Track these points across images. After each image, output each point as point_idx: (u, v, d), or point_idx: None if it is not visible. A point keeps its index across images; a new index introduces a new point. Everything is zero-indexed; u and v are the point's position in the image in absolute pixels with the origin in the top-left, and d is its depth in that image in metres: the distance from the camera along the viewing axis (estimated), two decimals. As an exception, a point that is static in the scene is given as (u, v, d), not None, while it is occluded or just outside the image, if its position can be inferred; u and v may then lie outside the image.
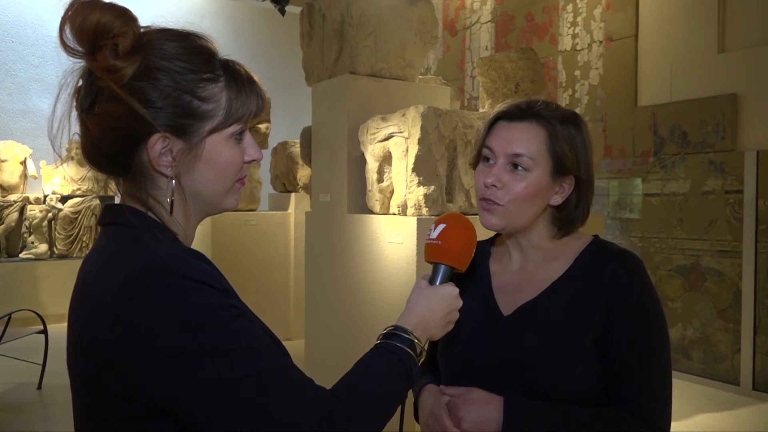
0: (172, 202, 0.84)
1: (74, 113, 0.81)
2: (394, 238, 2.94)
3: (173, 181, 0.83)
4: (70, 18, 0.77)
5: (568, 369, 1.03)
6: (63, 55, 0.78)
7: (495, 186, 1.07)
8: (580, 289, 1.07)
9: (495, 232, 1.23)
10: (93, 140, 0.81)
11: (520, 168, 1.07)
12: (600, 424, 1.00)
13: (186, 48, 0.82)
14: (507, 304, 1.13)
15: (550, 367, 1.03)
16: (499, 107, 1.16)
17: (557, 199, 1.10)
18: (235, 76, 0.86)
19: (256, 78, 0.89)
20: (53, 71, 7.47)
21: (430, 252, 1.05)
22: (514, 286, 1.14)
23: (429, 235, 1.06)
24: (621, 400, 1.03)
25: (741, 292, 4.31)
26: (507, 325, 1.10)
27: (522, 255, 1.15)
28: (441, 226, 1.05)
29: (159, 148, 0.81)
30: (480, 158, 1.13)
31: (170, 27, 0.84)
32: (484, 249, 1.24)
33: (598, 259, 1.09)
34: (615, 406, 1.03)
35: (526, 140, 1.07)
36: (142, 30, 0.81)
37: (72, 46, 0.78)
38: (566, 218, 1.11)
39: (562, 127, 1.08)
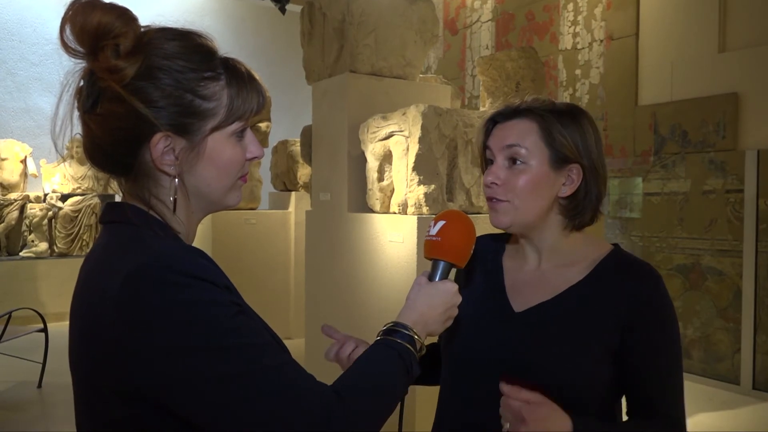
0: (175, 200, 0.84)
1: (76, 113, 0.81)
2: (394, 237, 2.94)
3: (176, 180, 0.83)
4: (70, 18, 0.77)
5: (576, 373, 1.02)
6: (63, 54, 0.78)
7: (495, 183, 1.09)
8: (598, 298, 1.06)
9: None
10: (95, 140, 0.82)
11: (518, 162, 1.08)
12: None
13: (186, 47, 0.82)
14: (519, 302, 1.12)
15: (558, 369, 1.02)
16: (491, 111, 1.17)
17: (566, 190, 1.10)
18: (235, 74, 0.86)
19: (256, 75, 0.89)
20: (54, 70, 7.47)
21: (429, 248, 1.06)
22: (529, 286, 1.14)
23: (428, 231, 1.06)
24: (642, 413, 1.04)
25: (741, 291, 4.32)
26: (518, 322, 1.10)
27: (538, 255, 1.15)
28: (440, 223, 1.06)
29: (161, 147, 0.81)
30: (486, 163, 1.15)
31: (170, 26, 0.84)
32: (497, 243, 1.24)
33: (618, 270, 1.08)
34: (639, 419, 1.04)
35: (519, 133, 1.09)
36: (142, 30, 0.81)
37: (73, 46, 0.78)
38: (575, 208, 1.11)
39: (554, 116, 1.09)
